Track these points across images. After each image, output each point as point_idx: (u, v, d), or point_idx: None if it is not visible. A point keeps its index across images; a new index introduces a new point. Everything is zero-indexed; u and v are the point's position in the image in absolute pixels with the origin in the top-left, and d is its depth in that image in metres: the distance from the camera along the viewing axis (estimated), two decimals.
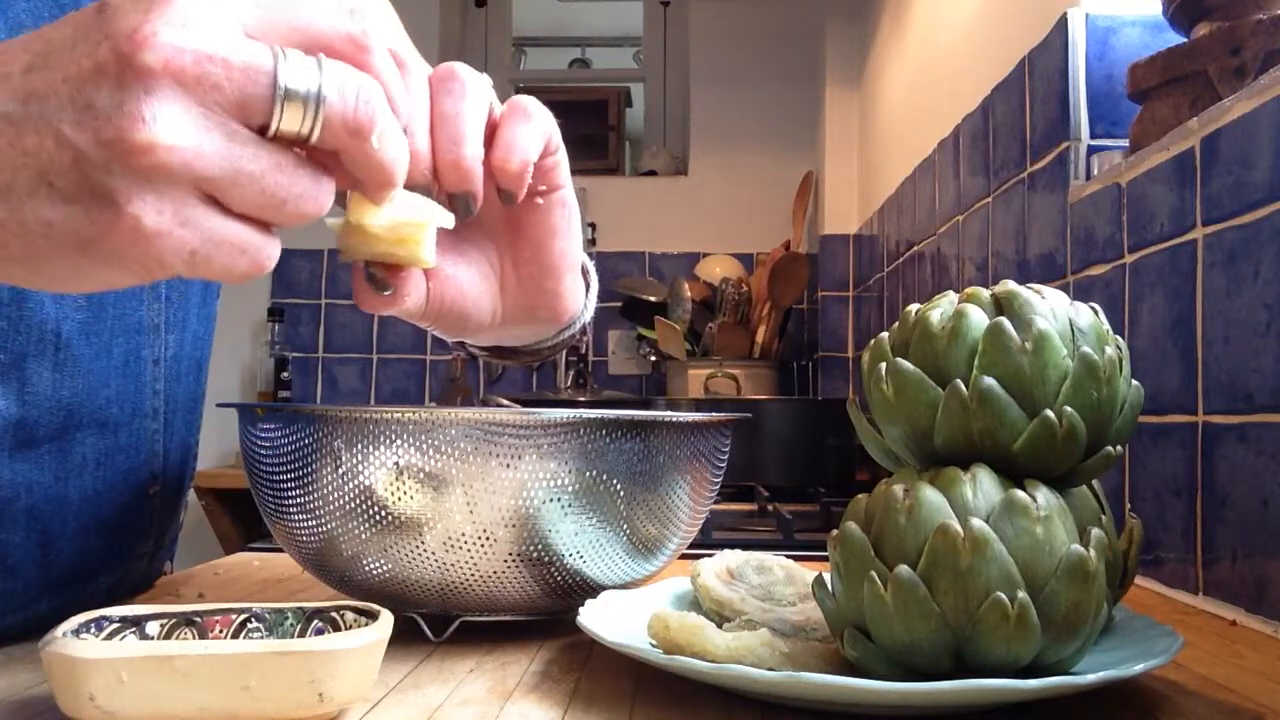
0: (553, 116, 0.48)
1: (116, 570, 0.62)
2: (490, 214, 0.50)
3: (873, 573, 0.41)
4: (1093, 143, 1.01)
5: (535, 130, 0.46)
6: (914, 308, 0.48)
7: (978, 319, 0.45)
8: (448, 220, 0.43)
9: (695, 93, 2.79)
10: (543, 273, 0.52)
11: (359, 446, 0.51)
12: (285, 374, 2.57)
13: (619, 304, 2.52)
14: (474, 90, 0.44)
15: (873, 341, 0.49)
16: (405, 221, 0.41)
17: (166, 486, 0.63)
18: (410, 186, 0.43)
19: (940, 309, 0.47)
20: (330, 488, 0.51)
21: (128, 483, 0.60)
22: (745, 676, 0.40)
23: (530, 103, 0.47)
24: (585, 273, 0.58)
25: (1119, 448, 0.46)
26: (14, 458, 0.54)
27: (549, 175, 0.49)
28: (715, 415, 0.58)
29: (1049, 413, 0.43)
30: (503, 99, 0.47)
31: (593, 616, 0.49)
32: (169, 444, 0.63)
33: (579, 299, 0.56)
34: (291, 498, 0.53)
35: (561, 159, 0.49)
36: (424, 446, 0.50)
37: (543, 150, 0.47)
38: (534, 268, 0.51)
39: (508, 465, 0.50)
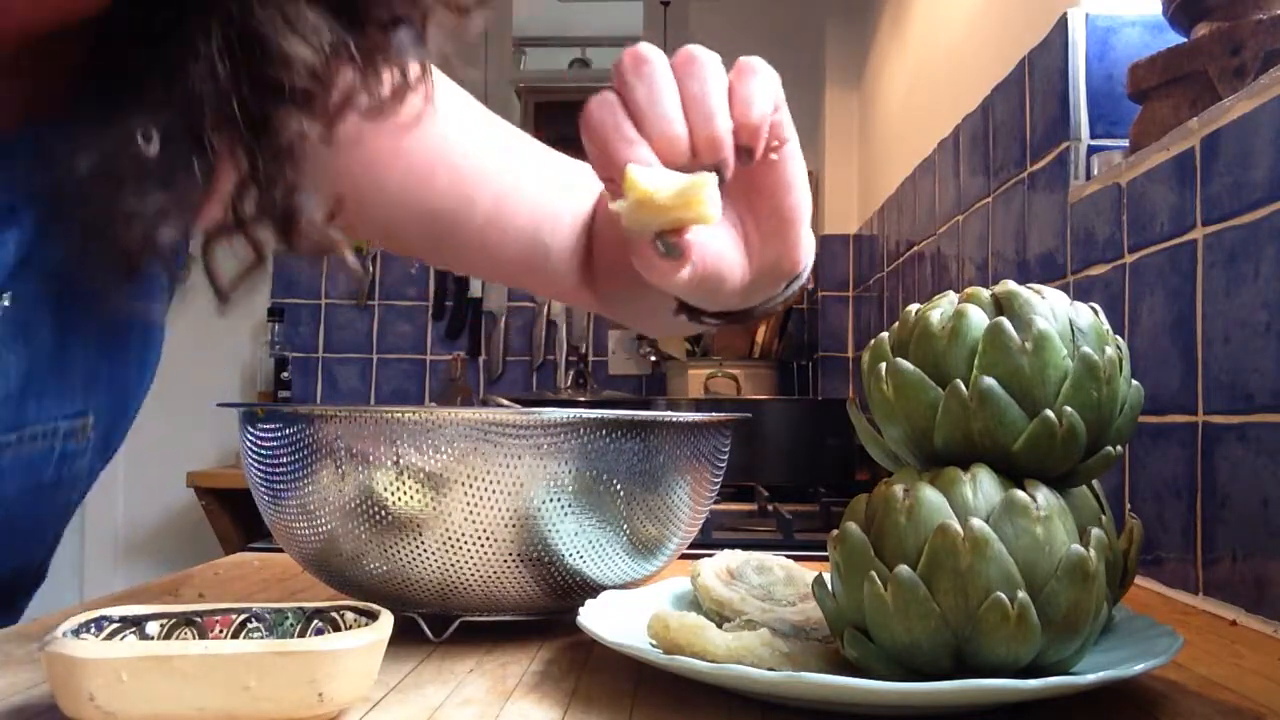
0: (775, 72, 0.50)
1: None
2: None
3: (873, 573, 0.41)
4: (1093, 143, 1.01)
5: (767, 86, 0.48)
6: (914, 308, 0.48)
7: (978, 319, 0.45)
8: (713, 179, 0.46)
9: None
10: (782, 226, 0.53)
11: (359, 446, 0.51)
12: (285, 374, 2.57)
13: None
14: (713, 68, 0.47)
15: (873, 341, 0.49)
16: (691, 184, 0.44)
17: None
18: (673, 168, 0.46)
19: (940, 309, 0.47)
20: (330, 488, 0.51)
21: None
22: (745, 676, 0.40)
23: (757, 61, 0.48)
24: None
25: (1119, 448, 0.46)
26: None
27: (779, 130, 0.50)
28: (715, 415, 0.58)
29: (1049, 413, 0.43)
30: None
31: (593, 616, 0.49)
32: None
33: (811, 248, 0.58)
34: (291, 498, 0.53)
35: (785, 112, 0.51)
36: (424, 446, 0.50)
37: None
38: (774, 222, 0.53)
39: (508, 465, 0.50)
